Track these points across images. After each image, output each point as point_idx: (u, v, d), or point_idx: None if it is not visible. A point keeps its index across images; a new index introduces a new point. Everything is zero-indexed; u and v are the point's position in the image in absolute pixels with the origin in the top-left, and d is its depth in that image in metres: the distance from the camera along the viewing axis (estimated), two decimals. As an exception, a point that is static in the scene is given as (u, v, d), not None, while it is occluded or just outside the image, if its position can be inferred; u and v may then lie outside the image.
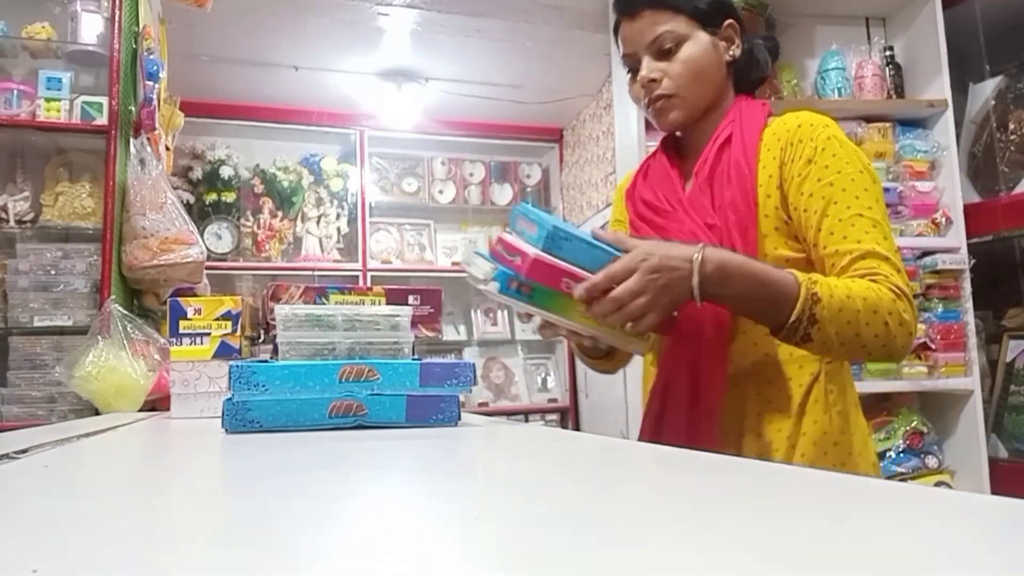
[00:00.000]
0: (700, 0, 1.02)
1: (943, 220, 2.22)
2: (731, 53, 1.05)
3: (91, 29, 2.00)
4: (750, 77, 1.09)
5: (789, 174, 0.97)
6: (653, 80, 1.02)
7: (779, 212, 0.97)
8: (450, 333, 3.88)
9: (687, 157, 1.10)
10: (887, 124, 2.26)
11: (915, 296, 2.19)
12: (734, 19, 1.04)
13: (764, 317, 0.88)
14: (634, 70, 1.05)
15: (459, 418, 0.84)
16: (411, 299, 1.10)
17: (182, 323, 1.01)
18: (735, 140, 1.01)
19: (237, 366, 0.76)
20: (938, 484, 2.12)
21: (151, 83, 1.98)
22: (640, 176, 1.15)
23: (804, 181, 0.95)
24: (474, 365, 0.85)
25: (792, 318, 0.84)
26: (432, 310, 1.13)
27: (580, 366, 3.91)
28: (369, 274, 3.77)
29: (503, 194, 4.19)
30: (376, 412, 0.80)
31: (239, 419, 0.74)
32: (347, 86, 3.54)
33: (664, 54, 1.01)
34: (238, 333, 1.02)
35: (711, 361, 0.96)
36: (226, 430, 0.73)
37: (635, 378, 1.92)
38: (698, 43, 1.01)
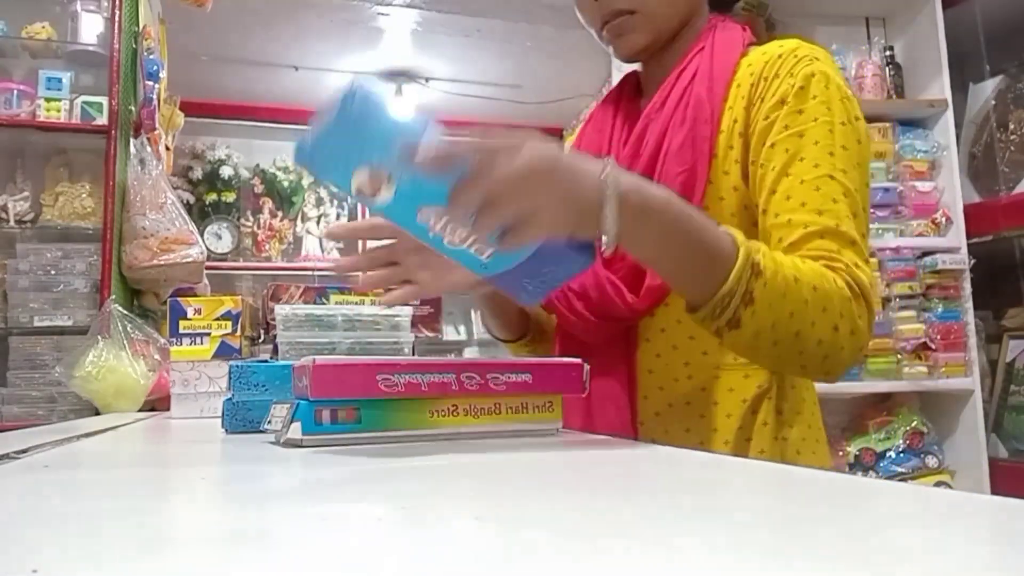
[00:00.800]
0: None
1: (943, 220, 2.21)
2: None
3: (91, 29, 2.00)
4: None
5: (755, 117, 0.76)
6: None
7: (740, 168, 0.77)
8: (450, 333, 3.88)
9: (647, 95, 0.89)
10: (887, 124, 2.26)
11: (913, 296, 2.21)
12: None
13: (689, 280, 0.65)
14: None
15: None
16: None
17: (182, 323, 1.01)
18: (701, 72, 0.80)
19: (237, 366, 0.76)
20: (938, 484, 2.12)
21: (151, 83, 1.98)
22: (585, 126, 0.95)
23: (770, 127, 0.74)
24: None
25: (723, 289, 0.61)
26: (432, 310, 1.13)
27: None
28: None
29: (503, 194, 4.19)
30: None
31: (239, 419, 0.74)
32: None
33: None
34: (238, 333, 1.02)
35: (610, 381, 0.77)
36: (226, 430, 0.73)
37: (635, 378, 1.89)
38: None
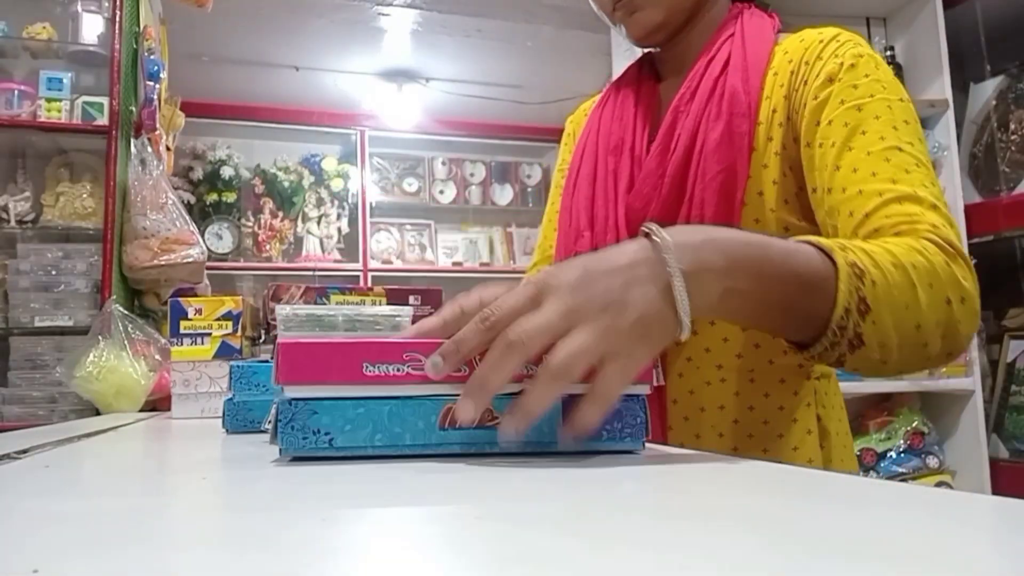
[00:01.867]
0: None
1: (944, 220, 2.21)
2: None
3: (92, 29, 2.00)
4: None
5: (801, 100, 0.71)
6: None
7: (780, 161, 0.72)
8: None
9: (668, 80, 0.85)
10: (888, 124, 2.26)
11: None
12: None
13: (795, 322, 0.55)
14: None
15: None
16: (412, 299, 1.10)
17: (183, 323, 1.01)
18: (734, 62, 0.75)
19: (237, 366, 0.76)
20: (939, 484, 2.12)
21: (152, 83, 1.98)
22: (597, 111, 0.90)
23: (823, 106, 0.69)
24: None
25: (836, 312, 0.52)
26: (433, 310, 1.13)
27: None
28: (370, 274, 3.77)
29: (504, 194, 4.19)
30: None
31: (240, 419, 0.74)
32: (348, 86, 3.54)
33: None
34: (239, 333, 1.02)
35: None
36: (227, 430, 0.73)
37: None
38: None
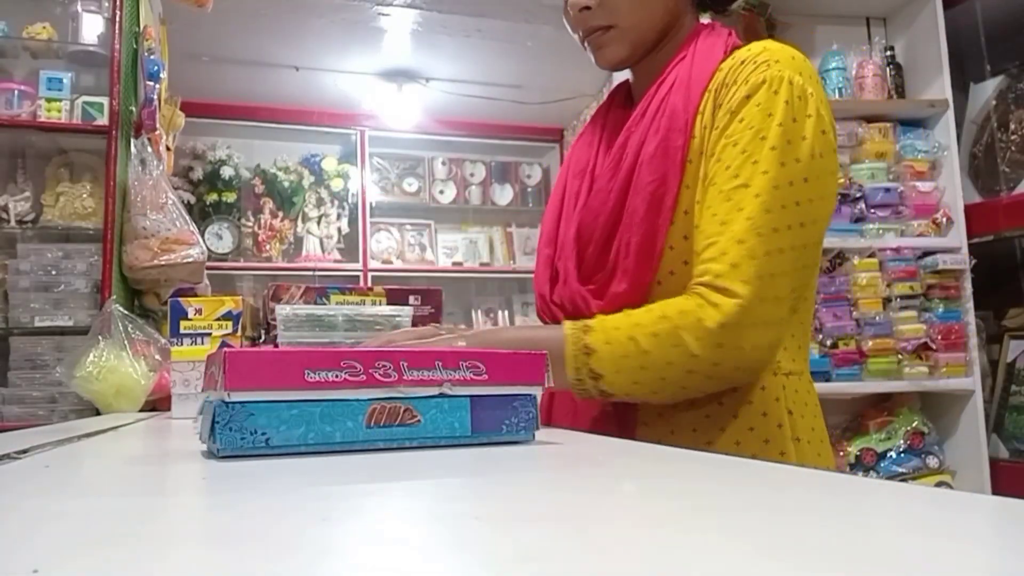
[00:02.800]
0: None
1: (944, 220, 2.21)
2: None
3: (92, 29, 2.00)
4: None
5: (714, 124, 0.76)
6: (586, 7, 0.83)
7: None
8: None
9: (636, 105, 0.89)
10: (888, 124, 2.26)
11: (914, 297, 2.20)
12: None
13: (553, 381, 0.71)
14: None
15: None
16: (412, 299, 1.10)
17: (183, 323, 1.01)
18: (679, 81, 0.80)
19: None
20: (939, 484, 2.12)
21: (152, 83, 1.98)
22: (577, 138, 0.97)
23: (717, 139, 0.75)
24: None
25: (570, 377, 0.72)
26: (433, 310, 1.13)
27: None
28: (370, 274, 3.77)
29: (504, 194, 4.19)
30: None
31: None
32: (348, 86, 3.55)
33: None
34: (239, 333, 1.03)
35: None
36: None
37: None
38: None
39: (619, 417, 0.80)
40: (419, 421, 0.54)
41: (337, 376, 0.51)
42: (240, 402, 0.49)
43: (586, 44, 0.87)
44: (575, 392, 0.73)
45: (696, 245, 0.74)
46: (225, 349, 0.50)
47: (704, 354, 0.68)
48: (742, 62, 0.77)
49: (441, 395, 0.55)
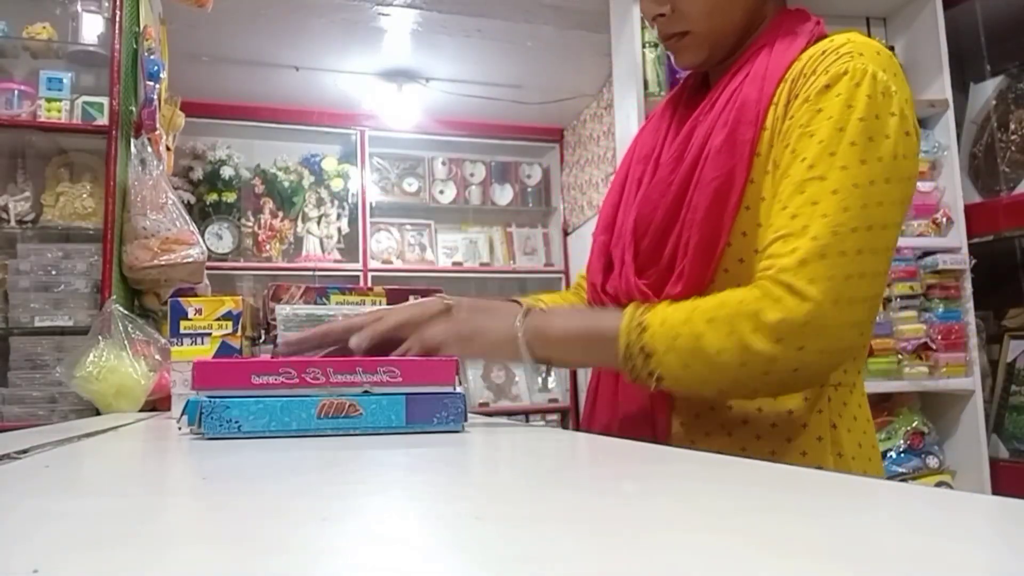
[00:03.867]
0: None
1: (944, 220, 2.21)
2: None
3: (92, 29, 2.00)
4: None
5: (789, 115, 0.73)
6: (660, 15, 0.81)
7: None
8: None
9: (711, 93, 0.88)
10: (888, 124, 2.26)
11: (914, 297, 2.20)
12: None
13: (599, 361, 0.79)
14: None
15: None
16: (412, 299, 1.10)
17: (183, 323, 1.01)
18: (755, 72, 0.77)
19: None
20: (939, 484, 2.12)
21: (152, 83, 1.98)
22: (645, 122, 0.95)
23: (791, 129, 0.71)
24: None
25: (621, 353, 0.70)
26: (432, 310, 1.13)
27: (581, 366, 3.91)
28: (370, 274, 3.77)
29: (504, 194, 4.19)
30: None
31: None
32: (348, 86, 3.54)
33: None
34: (239, 333, 1.02)
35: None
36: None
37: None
38: None
39: (654, 417, 0.79)
40: (361, 414, 0.68)
41: (276, 379, 0.67)
42: (219, 398, 0.65)
43: (665, 44, 0.85)
44: (625, 373, 0.71)
45: (762, 239, 0.70)
46: (195, 359, 0.65)
47: (760, 348, 0.64)
48: (823, 52, 0.73)
49: (366, 393, 0.68)
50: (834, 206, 0.65)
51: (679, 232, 0.76)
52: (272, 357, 0.81)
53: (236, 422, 0.65)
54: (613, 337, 0.71)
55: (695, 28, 0.80)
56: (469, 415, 0.74)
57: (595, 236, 0.91)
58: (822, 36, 0.79)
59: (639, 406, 0.81)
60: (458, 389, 0.70)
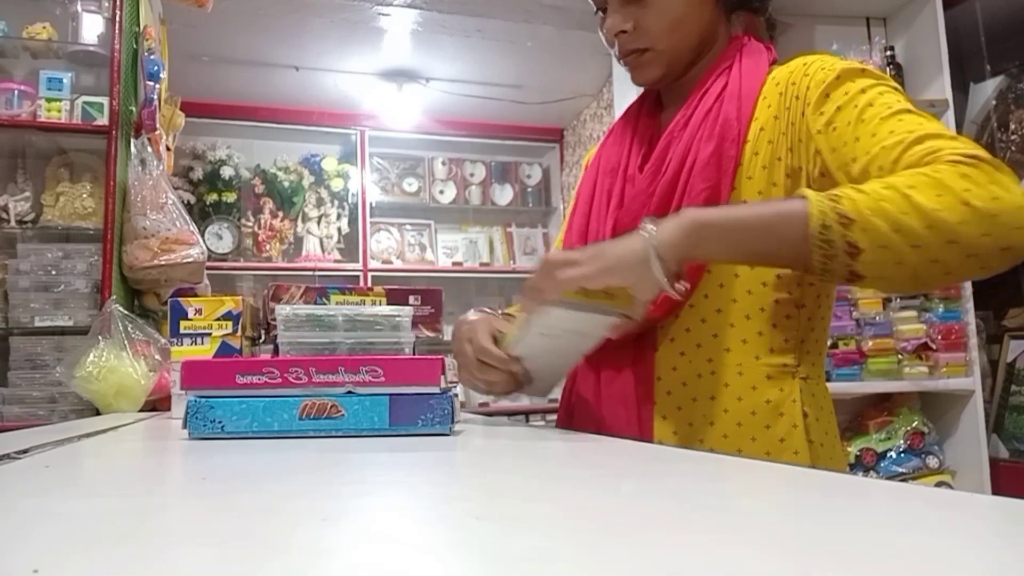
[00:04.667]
0: None
1: (944, 220, 2.21)
2: None
3: (92, 29, 2.00)
4: (750, 3, 0.90)
5: (798, 110, 0.76)
6: (623, 31, 0.85)
7: (768, 173, 0.78)
8: (451, 333, 3.88)
9: (668, 109, 0.92)
10: (888, 124, 2.26)
11: (914, 297, 2.20)
12: None
13: (780, 250, 0.67)
14: (602, 8, 0.87)
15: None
16: (412, 299, 1.10)
17: (183, 323, 1.01)
18: (730, 91, 0.82)
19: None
20: (939, 484, 2.12)
21: (152, 83, 1.98)
22: (604, 140, 0.98)
23: (823, 100, 0.74)
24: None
25: (813, 226, 0.62)
26: (433, 310, 1.13)
27: (581, 366, 3.91)
28: (370, 274, 3.77)
29: (504, 194, 4.19)
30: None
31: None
32: (348, 86, 3.54)
33: None
34: (239, 333, 1.02)
35: (632, 367, 0.81)
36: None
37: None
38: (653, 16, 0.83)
39: (638, 413, 0.81)
40: (343, 415, 0.67)
41: (259, 379, 0.68)
42: (204, 398, 0.67)
43: (623, 63, 0.89)
44: (813, 256, 0.64)
45: (879, 160, 0.68)
46: (183, 359, 0.66)
47: (980, 204, 0.59)
48: (805, 63, 0.79)
49: (349, 393, 0.68)
50: (942, 129, 0.68)
51: None
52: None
53: (219, 422, 0.66)
54: (801, 213, 0.63)
55: (656, 45, 0.85)
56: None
57: (570, 244, 0.93)
58: (775, 61, 0.86)
59: (620, 401, 0.83)
60: (456, 390, 0.71)
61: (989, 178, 0.60)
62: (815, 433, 0.78)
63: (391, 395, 0.68)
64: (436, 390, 0.69)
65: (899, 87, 0.75)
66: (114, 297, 1.77)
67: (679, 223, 0.67)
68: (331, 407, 0.67)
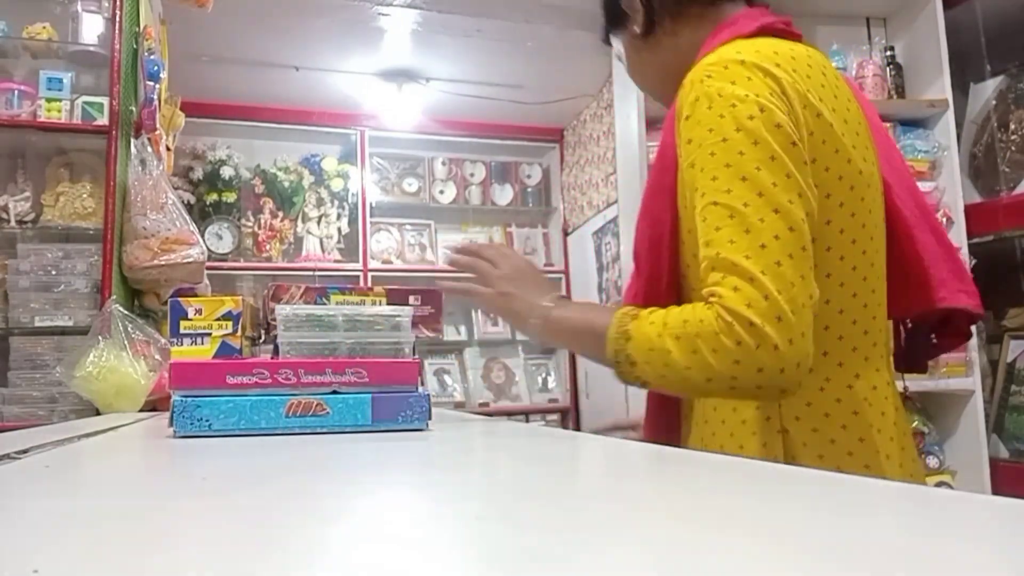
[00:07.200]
0: (605, 11, 0.95)
1: (944, 220, 2.21)
2: (636, 28, 0.90)
3: (92, 29, 2.00)
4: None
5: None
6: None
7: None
8: (450, 333, 3.89)
9: None
10: (888, 124, 2.26)
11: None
12: None
13: (594, 358, 0.80)
14: None
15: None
16: (412, 299, 1.10)
17: (183, 323, 1.01)
18: (670, 113, 0.82)
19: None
20: (939, 484, 2.12)
21: (152, 83, 1.98)
22: None
23: (682, 165, 0.77)
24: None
25: (608, 358, 0.76)
26: (433, 310, 1.13)
27: (581, 366, 3.91)
28: (370, 274, 3.77)
29: (504, 194, 4.19)
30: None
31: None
32: (348, 86, 3.54)
33: None
34: (239, 333, 1.02)
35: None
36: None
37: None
38: (627, 51, 0.94)
39: (667, 420, 0.91)
40: (328, 413, 0.71)
41: (249, 379, 0.70)
42: (191, 397, 0.69)
43: None
44: (616, 375, 0.77)
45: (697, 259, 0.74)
46: (172, 360, 0.66)
47: (721, 369, 0.66)
48: (683, 85, 0.77)
49: (335, 392, 0.72)
50: (732, 232, 0.68)
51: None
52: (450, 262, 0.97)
53: (207, 420, 0.68)
54: (604, 341, 0.77)
55: (640, 86, 1.00)
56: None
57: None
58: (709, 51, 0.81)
59: (661, 410, 0.92)
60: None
61: (731, 344, 0.65)
62: (786, 419, 0.78)
63: (374, 394, 0.73)
64: (414, 390, 0.75)
65: (740, 125, 0.70)
66: (114, 297, 1.77)
67: (544, 318, 0.85)
68: (316, 405, 0.70)
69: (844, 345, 0.79)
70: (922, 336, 0.93)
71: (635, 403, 2.01)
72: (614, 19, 0.94)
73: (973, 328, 0.97)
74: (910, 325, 0.94)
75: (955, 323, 0.90)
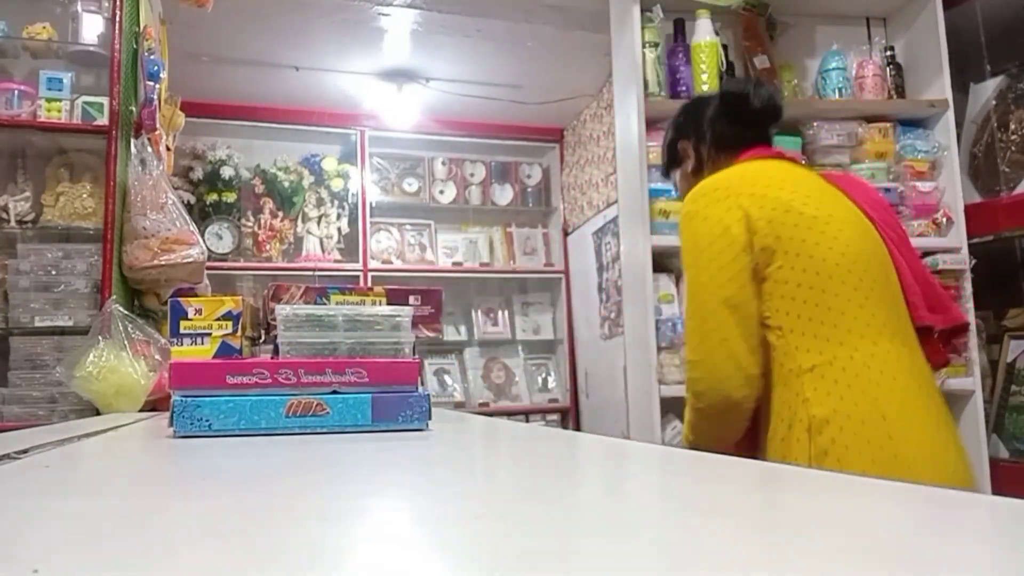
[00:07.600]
0: (666, 154, 1.29)
1: (944, 220, 2.21)
2: (688, 167, 1.26)
3: (92, 29, 2.00)
4: (731, 141, 1.24)
5: None
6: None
7: None
8: (451, 333, 3.89)
9: None
10: (888, 124, 2.26)
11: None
12: (681, 138, 1.26)
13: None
14: None
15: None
16: (412, 299, 1.10)
17: (183, 323, 1.01)
18: None
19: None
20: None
21: (152, 83, 1.98)
22: None
23: None
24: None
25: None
26: (433, 310, 1.13)
27: (581, 367, 3.91)
28: (370, 274, 3.77)
29: (504, 194, 4.19)
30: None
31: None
32: (348, 86, 3.54)
33: None
34: (239, 333, 1.02)
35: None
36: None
37: (635, 379, 1.92)
38: (680, 179, 1.29)
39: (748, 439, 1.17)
40: (328, 413, 0.71)
41: (249, 379, 0.70)
42: (191, 397, 0.69)
43: None
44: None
45: None
46: (172, 360, 0.67)
47: (696, 423, 1.15)
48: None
49: (334, 392, 0.72)
50: (688, 333, 1.14)
51: None
52: None
53: (207, 420, 0.68)
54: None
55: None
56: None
57: None
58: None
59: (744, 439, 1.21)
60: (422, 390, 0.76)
61: (690, 405, 1.14)
62: (764, 416, 1.12)
63: (374, 394, 0.73)
64: (414, 390, 0.75)
65: (700, 231, 1.12)
66: (114, 297, 1.77)
67: None
68: (316, 405, 0.70)
69: (838, 330, 1.08)
70: (942, 341, 1.29)
71: (634, 403, 2.01)
72: (673, 161, 1.29)
73: (973, 328, 1.30)
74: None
75: (953, 333, 1.27)
